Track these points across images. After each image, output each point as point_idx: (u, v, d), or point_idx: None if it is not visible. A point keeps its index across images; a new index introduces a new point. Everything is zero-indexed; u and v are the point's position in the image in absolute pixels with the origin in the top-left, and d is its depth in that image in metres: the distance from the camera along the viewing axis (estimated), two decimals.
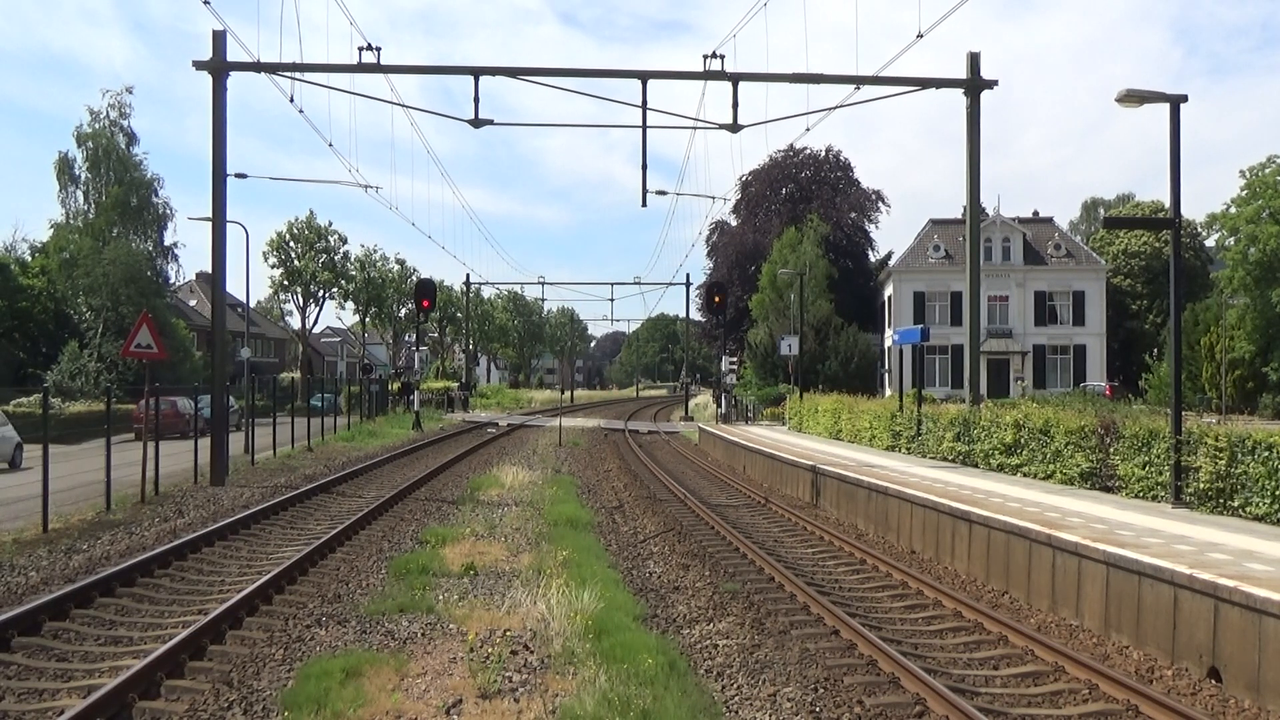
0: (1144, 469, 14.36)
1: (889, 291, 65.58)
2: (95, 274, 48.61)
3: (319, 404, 37.19)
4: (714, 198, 76.03)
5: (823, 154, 69.20)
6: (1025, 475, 17.57)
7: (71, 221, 52.18)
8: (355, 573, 12.38)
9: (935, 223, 66.60)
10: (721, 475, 26.17)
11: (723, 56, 21.47)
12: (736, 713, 7.72)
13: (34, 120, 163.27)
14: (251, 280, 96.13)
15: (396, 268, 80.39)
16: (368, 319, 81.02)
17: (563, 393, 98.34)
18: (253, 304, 62.12)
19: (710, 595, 11.63)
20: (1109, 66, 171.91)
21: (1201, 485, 13.00)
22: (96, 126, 51.92)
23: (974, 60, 22.05)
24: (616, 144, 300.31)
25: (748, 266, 64.14)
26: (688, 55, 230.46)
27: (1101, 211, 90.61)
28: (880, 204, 69.05)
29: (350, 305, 77.04)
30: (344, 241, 72.12)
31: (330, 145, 56.77)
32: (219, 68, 21.52)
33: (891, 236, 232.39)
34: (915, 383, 25.41)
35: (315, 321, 75.57)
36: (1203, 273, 64.19)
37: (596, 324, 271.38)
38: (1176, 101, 13.94)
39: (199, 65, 21.49)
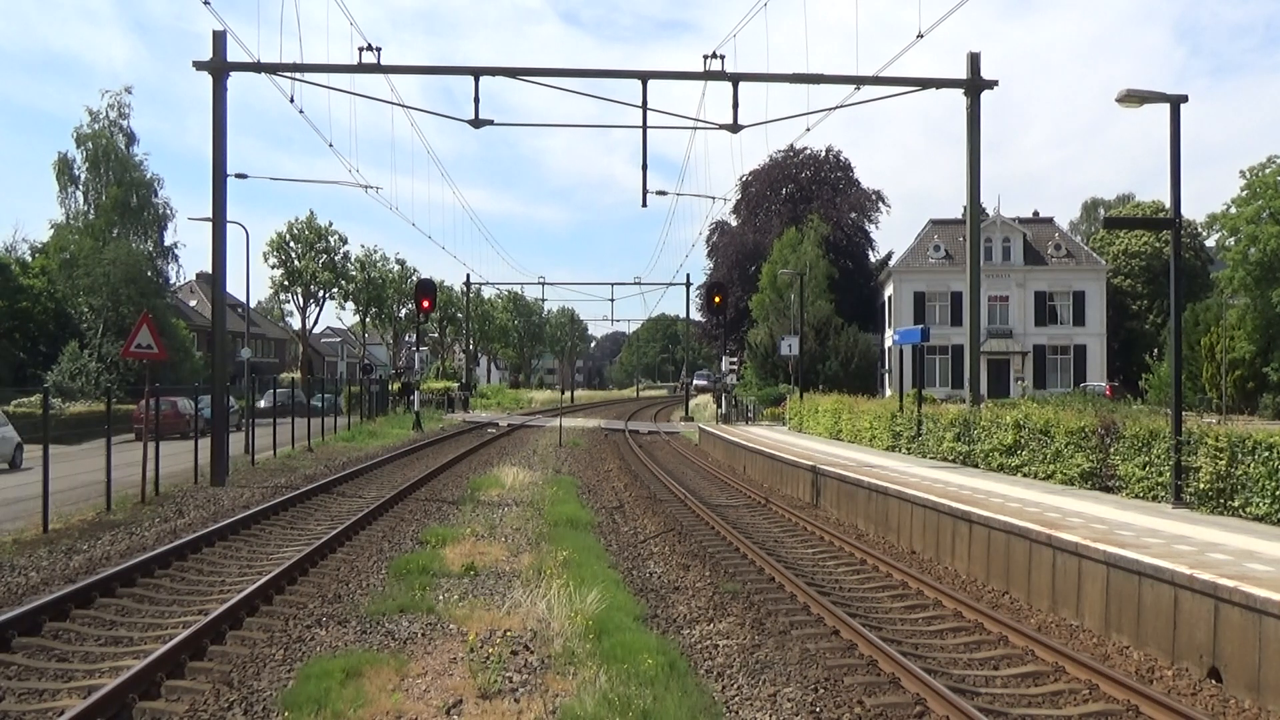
0: (1144, 469, 14.36)
1: (889, 291, 65.59)
2: (95, 274, 48.62)
3: (319, 404, 37.19)
4: (714, 198, 76.16)
5: (823, 154, 69.30)
6: (1025, 475, 17.56)
7: (71, 222, 52.19)
8: (355, 573, 12.39)
9: (935, 223, 66.61)
10: (722, 475, 26.17)
11: (723, 57, 21.51)
12: (737, 713, 7.72)
13: (34, 120, 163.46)
14: (251, 280, 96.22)
15: (396, 268, 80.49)
16: (368, 319, 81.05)
17: (563, 393, 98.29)
18: (253, 304, 62.18)
19: (710, 595, 11.63)
20: (1111, 66, 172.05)
21: (1202, 485, 13.00)
22: (96, 127, 51.94)
23: (974, 60, 22.06)
24: (617, 144, 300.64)
25: (748, 266, 64.15)
26: (689, 55, 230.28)
27: (1102, 212, 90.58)
28: (880, 204, 69.22)
29: (350, 305, 77.24)
30: (344, 242, 72.36)
31: (330, 145, 56.76)
32: (219, 68, 21.52)
33: (892, 236, 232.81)
34: (915, 383, 25.41)
35: (315, 322, 75.76)
36: (1203, 273, 64.18)
37: (597, 324, 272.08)
38: (1176, 102, 13.94)
39: (199, 65, 21.50)
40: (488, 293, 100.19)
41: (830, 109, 23.59)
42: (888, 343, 62.63)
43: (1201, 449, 13.02)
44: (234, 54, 21.70)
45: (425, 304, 38.05)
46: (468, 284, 75.59)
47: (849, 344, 51.24)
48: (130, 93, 62.83)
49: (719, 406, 46.89)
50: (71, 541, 14.16)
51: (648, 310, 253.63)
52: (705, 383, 69.49)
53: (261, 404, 32.81)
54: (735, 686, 8.32)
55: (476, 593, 11.16)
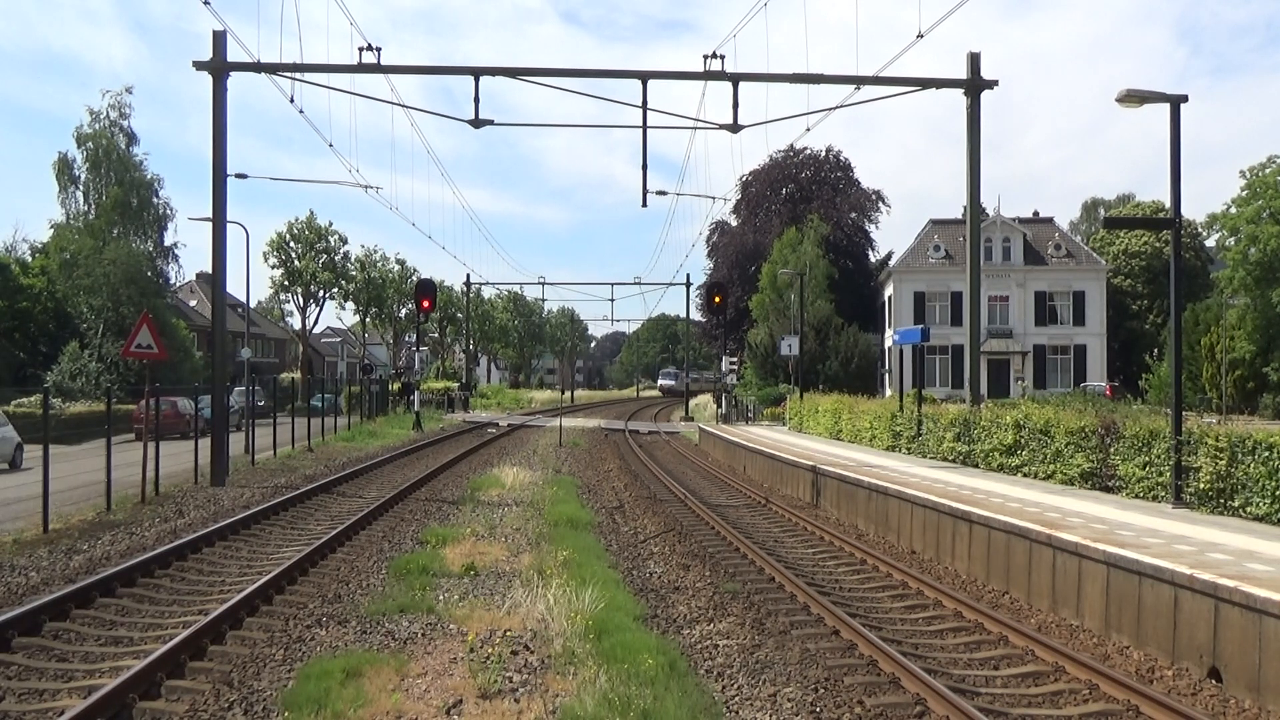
0: (1144, 469, 14.36)
1: (889, 291, 65.59)
2: (95, 274, 48.60)
3: (319, 404, 37.20)
4: (714, 198, 76.02)
5: (823, 154, 69.32)
6: (1026, 475, 17.56)
7: (72, 222, 52.14)
8: (355, 573, 12.39)
9: (935, 223, 66.61)
10: (722, 475, 26.16)
11: (723, 57, 21.52)
12: (737, 713, 7.72)
13: (34, 120, 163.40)
14: (252, 280, 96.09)
15: (397, 268, 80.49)
16: (368, 319, 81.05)
17: (563, 393, 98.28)
18: (253, 304, 62.14)
19: (710, 595, 11.63)
20: (1111, 66, 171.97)
21: (1202, 485, 13.00)
22: (96, 127, 51.88)
23: (974, 60, 22.06)
24: (617, 144, 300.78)
25: (748, 266, 64.15)
26: (689, 55, 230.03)
27: (1102, 211, 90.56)
28: (880, 204, 69.24)
29: (350, 305, 77.25)
30: (344, 242, 72.39)
31: (330, 145, 56.64)
32: (219, 68, 21.52)
33: (892, 236, 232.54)
34: (915, 383, 25.40)
35: (315, 322, 75.76)
36: (1203, 273, 64.20)
37: (597, 324, 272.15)
38: (1176, 101, 13.94)
39: (199, 65, 21.50)
40: (488, 293, 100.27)
41: (830, 109, 23.63)
42: (888, 343, 62.63)
43: (1201, 449, 13.02)
44: (234, 54, 21.71)
45: (425, 304, 38.06)
46: (468, 284, 75.59)
47: (849, 344, 51.24)
48: (130, 93, 62.98)
49: (719, 406, 46.89)
50: (71, 541, 14.16)
51: (648, 310, 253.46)
52: (673, 383, 67.52)
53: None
54: (735, 686, 8.32)
55: (476, 593, 11.16)
